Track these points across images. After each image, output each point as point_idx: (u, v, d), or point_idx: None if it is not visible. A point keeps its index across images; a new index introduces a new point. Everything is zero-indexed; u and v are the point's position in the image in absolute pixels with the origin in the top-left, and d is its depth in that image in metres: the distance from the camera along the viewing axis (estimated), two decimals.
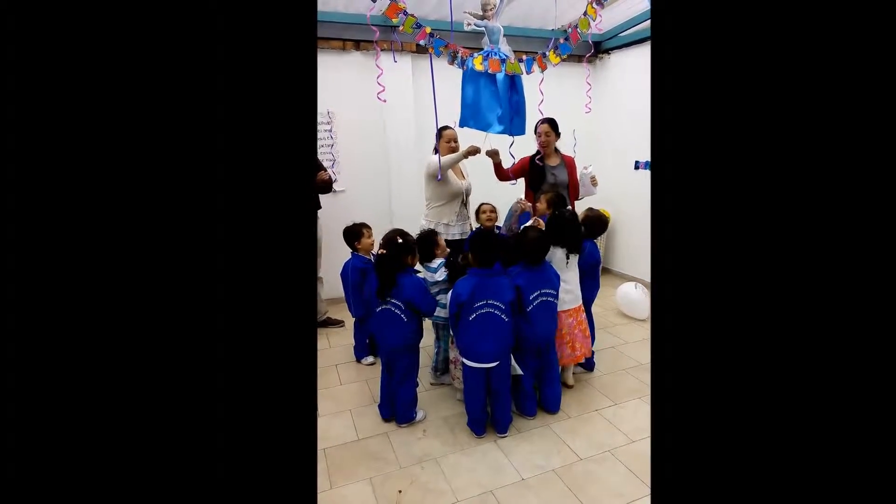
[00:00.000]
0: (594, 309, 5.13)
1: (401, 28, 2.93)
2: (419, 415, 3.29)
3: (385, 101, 3.42)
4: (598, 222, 3.69)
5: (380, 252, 3.22)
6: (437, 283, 3.39)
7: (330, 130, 5.24)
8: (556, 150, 4.15)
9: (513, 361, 3.10)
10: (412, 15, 2.93)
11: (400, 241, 3.14)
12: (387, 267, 3.11)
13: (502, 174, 4.07)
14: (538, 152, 4.05)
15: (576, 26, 3.19)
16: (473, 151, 3.70)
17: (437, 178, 3.78)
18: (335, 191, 5.27)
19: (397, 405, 3.25)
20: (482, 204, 4.11)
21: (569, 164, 4.13)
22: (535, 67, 3.29)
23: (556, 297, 3.19)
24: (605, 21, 5.32)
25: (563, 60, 3.37)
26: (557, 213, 3.39)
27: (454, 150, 3.94)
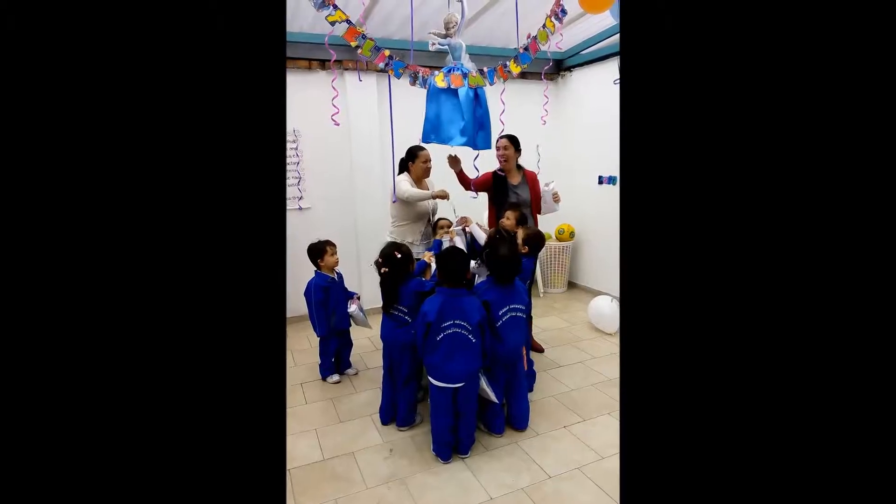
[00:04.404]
0: (560, 324, 5.18)
1: (359, 52, 2.93)
2: (417, 419, 3.41)
3: (339, 123, 3.41)
4: (537, 240, 3.66)
5: (382, 272, 3.23)
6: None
7: (296, 148, 5.22)
8: (519, 167, 4.17)
9: (486, 386, 3.07)
10: (371, 38, 2.93)
11: (399, 255, 3.19)
12: (391, 283, 3.22)
13: (466, 182, 4.07)
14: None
15: (535, 38, 3.21)
16: (443, 197, 3.83)
17: (393, 200, 3.85)
18: (300, 208, 5.26)
19: (399, 409, 3.33)
20: (440, 219, 4.12)
21: (530, 179, 4.15)
22: (497, 78, 3.31)
23: (525, 311, 3.19)
24: (566, 40, 5.40)
25: (527, 78, 3.40)
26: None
27: (428, 170, 3.99)
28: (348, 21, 2.80)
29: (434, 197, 3.82)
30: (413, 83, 3.16)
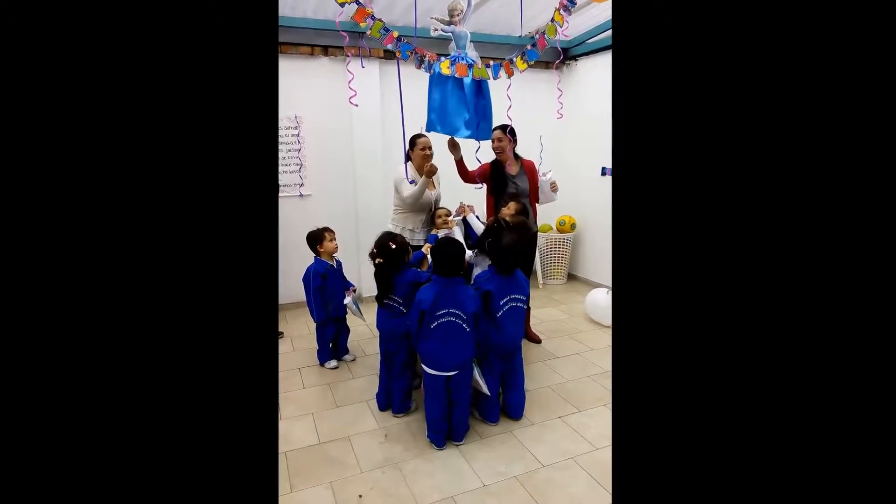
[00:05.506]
0: (559, 316, 5.18)
1: (368, 32, 2.93)
2: (412, 406, 3.45)
3: (357, 105, 3.42)
4: (524, 228, 3.61)
5: (377, 262, 3.24)
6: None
7: (297, 135, 5.22)
8: (517, 157, 4.16)
9: (478, 377, 3.08)
10: (380, 20, 2.92)
11: (393, 246, 3.20)
12: (386, 274, 3.24)
13: (465, 173, 4.06)
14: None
15: (543, 33, 3.20)
16: (432, 173, 3.79)
17: (409, 181, 3.81)
18: (301, 195, 5.26)
19: (394, 396, 3.37)
20: (438, 208, 4.11)
21: (529, 169, 4.15)
22: (503, 73, 3.30)
23: (525, 302, 3.20)
24: (572, 28, 5.36)
25: (531, 66, 3.38)
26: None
27: (428, 157, 3.93)
28: (357, 2, 2.79)
29: (428, 174, 3.79)
30: (419, 66, 3.16)
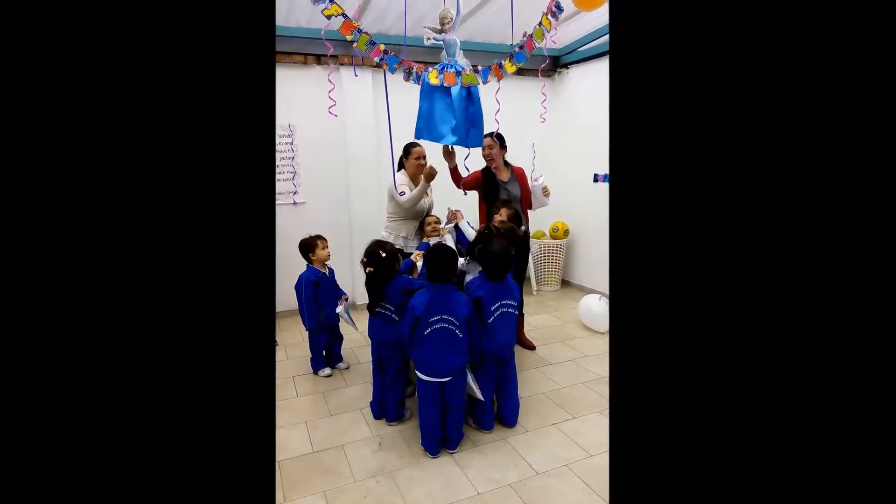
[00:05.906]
0: (553, 322, 5.18)
1: (355, 45, 2.93)
2: (406, 414, 3.43)
3: (336, 115, 3.42)
4: (512, 233, 3.58)
5: (368, 272, 3.23)
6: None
7: (291, 143, 5.23)
8: (507, 164, 4.18)
9: (472, 383, 3.08)
10: (366, 32, 2.93)
11: (383, 255, 3.18)
12: (377, 283, 3.22)
13: (459, 181, 4.07)
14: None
15: (531, 36, 3.21)
16: (433, 175, 3.78)
17: (401, 194, 3.80)
18: (295, 202, 5.27)
19: (388, 404, 3.36)
20: (426, 216, 4.12)
21: (519, 175, 4.18)
22: (492, 76, 3.30)
23: (516, 307, 3.20)
24: (564, 36, 5.40)
25: (523, 75, 3.40)
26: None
27: (422, 167, 3.93)
28: (344, 15, 2.79)
29: (428, 180, 3.79)
30: (407, 79, 3.16)
